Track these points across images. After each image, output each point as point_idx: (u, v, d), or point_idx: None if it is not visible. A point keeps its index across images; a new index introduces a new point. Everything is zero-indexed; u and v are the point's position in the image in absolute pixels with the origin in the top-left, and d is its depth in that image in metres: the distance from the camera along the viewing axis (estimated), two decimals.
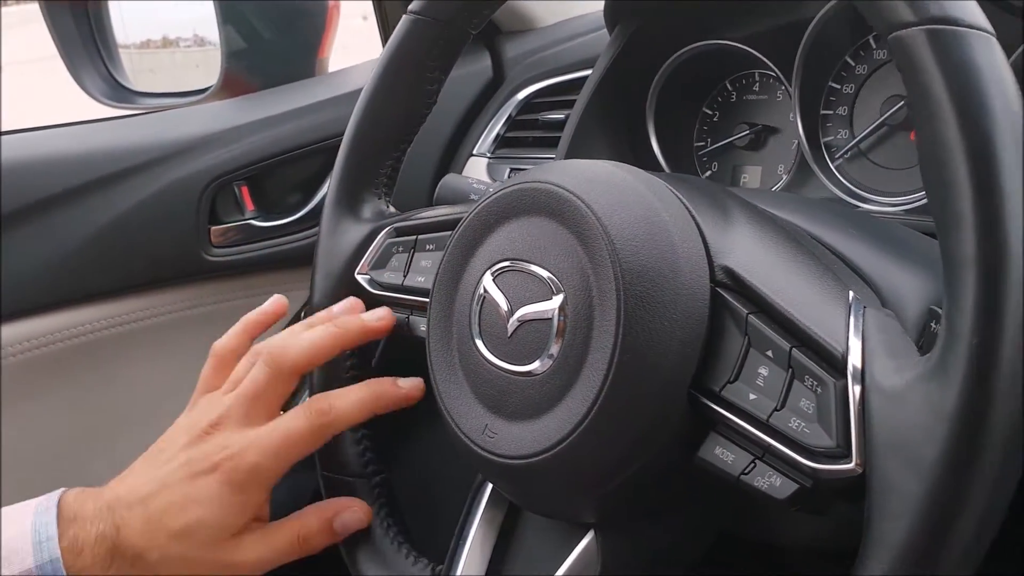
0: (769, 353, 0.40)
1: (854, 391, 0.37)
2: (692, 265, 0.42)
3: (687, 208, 0.44)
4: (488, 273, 0.48)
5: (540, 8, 0.99)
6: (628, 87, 0.80)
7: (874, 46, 0.71)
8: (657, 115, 0.81)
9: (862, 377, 0.37)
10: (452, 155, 0.95)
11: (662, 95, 0.81)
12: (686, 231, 0.43)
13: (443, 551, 0.56)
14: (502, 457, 0.45)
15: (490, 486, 0.53)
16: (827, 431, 0.37)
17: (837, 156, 0.73)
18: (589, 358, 0.42)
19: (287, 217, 0.90)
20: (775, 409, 0.39)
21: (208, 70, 1.30)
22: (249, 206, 0.88)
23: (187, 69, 1.33)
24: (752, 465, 0.40)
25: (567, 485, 0.44)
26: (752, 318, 0.41)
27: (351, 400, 0.54)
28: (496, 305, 0.47)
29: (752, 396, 0.40)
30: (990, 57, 0.34)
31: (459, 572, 0.52)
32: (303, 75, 1.05)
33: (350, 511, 0.56)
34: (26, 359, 0.84)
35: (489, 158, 0.93)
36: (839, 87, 0.73)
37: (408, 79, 0.59)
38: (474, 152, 0.94)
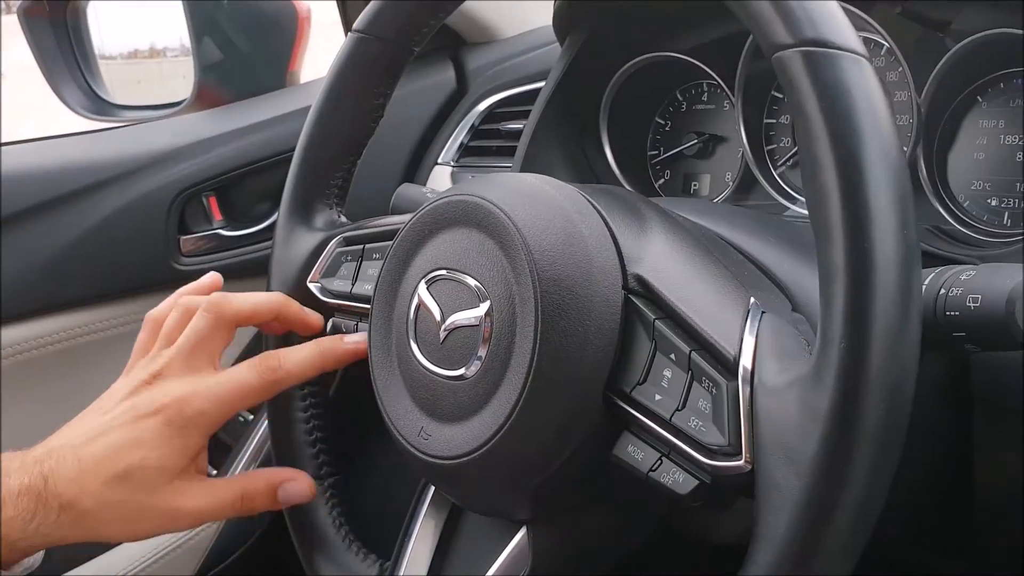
0: (672, 356, 0.42)
1: (744, 391, 0.39)
2: (606, 274, 0.45)
3: (604, 219, 0.47)
4: (423, 281, 0.50)
5: (503, 21, 1.02)
6: (581, 97, 0.82)
7: None
8: (611, 124, 0.84)
9: (751, 378, 0.39)
10: (417, 164, 0.98)
11: (615, 105, 0.83)
12: (601, 241, 0.46)
13: (392, 549, 0.59)
14: (436, 458, 0.48)
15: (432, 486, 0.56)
16: (720, 430, 0.40)
17: (780, 163, 0.76)
18: (512, 362, 0.45)
19: (255, 226, 0.92)
20: (677, 409, 0.42)
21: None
22: (217, 216, 0.90)
23: (174, 79, 1.35)
24: (659, 462, 0.42)
25: (495, 482, 0.47)
26: (659, 323, 0.43)
27: (300, 357, 0.55)
28: (430, 312, 0.49)
29: (658, 397, 0.42)
30: (860, 78, 0.36)
31: (403, 570, 0.54)
32: (274, 87, 1.07)
33: (296, 482, 0.56)
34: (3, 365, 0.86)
35: (453, 167, 0.96)
36: (781, 96, 0.76)
37: (354, 95, 0.62)
38: (439, 161, 0.97)
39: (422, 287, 0.50)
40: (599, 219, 0.47)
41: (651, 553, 0.55)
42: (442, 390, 0.48)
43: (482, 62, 1.00)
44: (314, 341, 0.57)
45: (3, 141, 0.93)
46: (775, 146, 0.76)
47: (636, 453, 0.43)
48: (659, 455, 0.42)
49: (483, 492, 0.49)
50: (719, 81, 0.77)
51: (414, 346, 0.50)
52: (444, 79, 0.99)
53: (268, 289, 0.65)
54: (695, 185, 0.83)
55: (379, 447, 0.74)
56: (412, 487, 0.58)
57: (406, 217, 0.61)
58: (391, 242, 0.59)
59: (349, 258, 0.62)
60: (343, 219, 0.66)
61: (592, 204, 0.48)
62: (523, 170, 0.82)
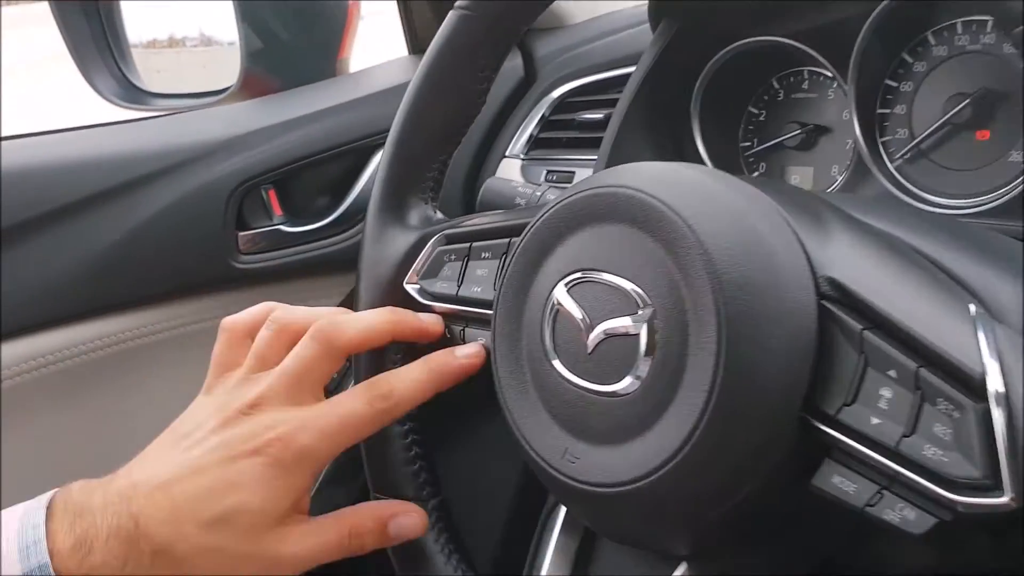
0: (891, 373, 0.37)
1: (999, 416, 0.34)
2: (796, 277, 0.39)
3: (783, 215, 0.41)
4: (561, 284, 0.45)
5: (571, 5, 0.96)
6: (672, 85, 0.77)
7: (932, 42, 0.69)
8: (701, 114, 0.79)
9: (1007, 402, 0.34)
10: (484, 157, 0.92)
11: (707, 93, 0.78)
12: (785, 240, 0.40)
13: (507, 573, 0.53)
14: (587, 484, 0.42)
15: (563, 510, 0.50)
16: (970, 460, 0.34)
17: (896, 156, 0.70)
18: (686, 378, 0.39)
19: (317, 222, 0.86)
20: (904, 435, 0.36)
21: (215, 70, 1.27)
22: (277, 211, 0.84)
23: (193, 69, 1.30)
24: (879, 496, 0.37)
25: (662, 516, 0.41)
26: (868, 334, 0.38)
27: (411, 380, 0.50)
28: (572, 319, 0.44)
29: (875, 420, 0.37)
30: None
31: None
32: (324, 75, 1.02)
33: (407, 515, 0.51)
34: (43, 374, 0.80)
35: (523, 160, 0.90)
36: (896, 85, 0.70)
37: (456, 77, 0.56)
38: (507, 154, 0.91)
39: (560, 290, 0.45)
40: (778, 215, 0.41)
41: None
42: (592, 407, 0.43)
43: (551, 48, 0.94)
44: (423, 360, 0.52)
45: (36, 131, 0.87)
46: (890, 138, 0.71)
47: (845, 484, 0.38)
48: (877, 488, 0.37)
49: (642, 525, 0.43)
50: (829, 67, 0.71)
51: (553, 357, 0.45)
52: (511, 67, 0.93)
53: (357, 290, 0.60)
54: (795, 178, 0.78)
55: (474, 459, 0.68)
56: (520, 505, 0.53)
57: (517, 213, 0.56)
58: (507, 240, 0.54)
59: (453, 257, 0.57)
60: (439, 215, 0.61)
61: (769, 199, 0.42)
62: (610, 161, 0.76)
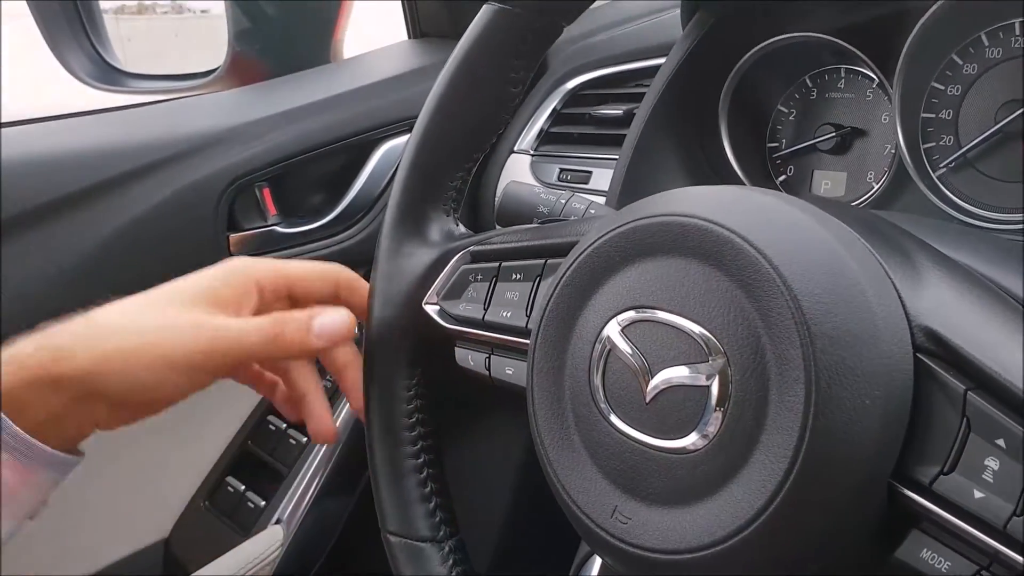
0: (1000, 442, 0.33)
1: None
2: (893, 329, 0.34)
3: (874, 255, 0.37)
4: (614, 322, 0.40)
5: None
6: (702, 81, 0.72)
7: (986, 43, 0.64)
8: (730, 113, 0.74)
9: None
10: (490, 152, 0.87)
11: (737, 91, 0.73)
12: (879, 285, 0.36)
13: None
14: (642, 549, 0.37)
15: (598, 562, 0.46)
16: None
17: (941, 165, 0.66)
18: (764, 439, 0.35)
19: (313, 222, 0.81)
20: (1015, 514, 0.32)
21: (188, 40, 1.21)
22: (271, 210, 0.78)
23: (165, 38, 1.24)
24: None
25: None
26: (972, 396, 0.33)
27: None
28: (627, 363, 0.39)
29: (979, 494, 0.33)
30: None
31: None
32: (318, 58, 0.96)
33: (334, 310, 0.52)
34: None
35: (533, 155, 0.85)
36: (943, 88, 0.66)
37: (488, 78, 0.51)
38: (515, 149, 0.86)
39: (613, 328, 0.40)
40: (869, 255, 0.37)
41: None
42: (648, 464, 0.38)
43: (564, 35, 0.88)
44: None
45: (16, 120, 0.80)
46: (933, 144, 0.66)
47: (936, 561, 0.34)
48: (977, 568, 0.33)
49: None
50: (872, 66, 0.66)
51: (603, 404, 0.40)
52: None
53: (369, 307, 0.55)
54: (826, 184, 0.73)
55: (491, 496, 0.64)
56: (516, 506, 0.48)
57: (555, 230, 0.51)
58: (540, 261, 0.49)
59: (479, 277, 0.52)
60: (462, 228, 0.55)
61: (856, 235, 0.37)
62: (633, 161, 0.71)
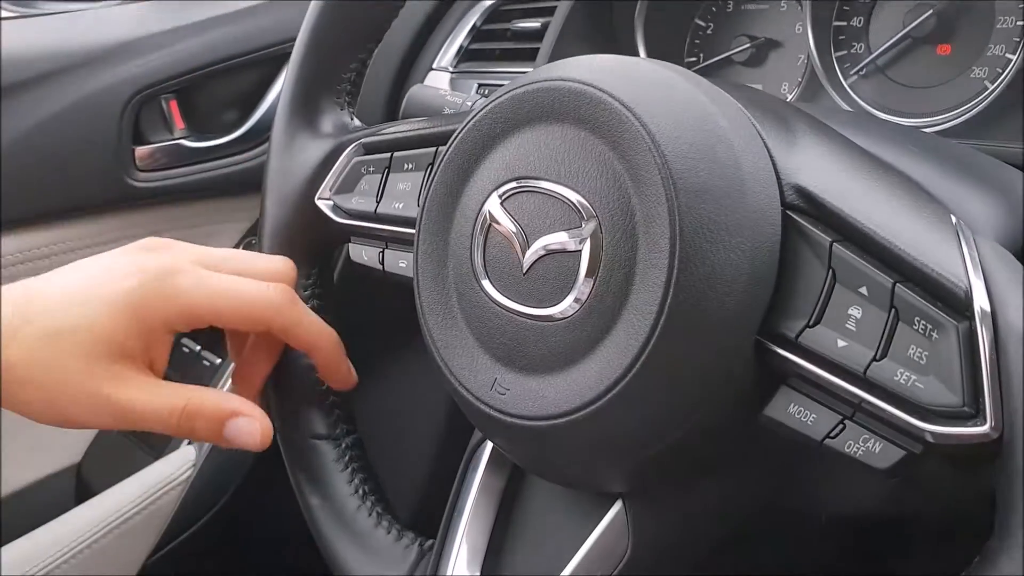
0: (863, 290, 0.33)
1: (984, 336, 0.30)
2: (760, 183, 0.34)
3: (747, 116, 0.36)
4: (494, 195, 0.39)
5: None
6: None
7: None
8: (646, 27, 0.73)
9: (993, 320, 0.30)
10: (408, 71, 0.85)
11: (652, 4, 0.72)
12: (749, 143, 0.35)
13: (427, 521, 0.48)
14: (517, 417, 0.37)
15: (489, 447, 0.46)
16: (948, 385, 0.30)
17: (852, 72, 0.66)
18: (632, 299, 0.34)
19: (223, 137, 0.78)
20: (874, 359, 0.32)
21: None
22: (179, 124, 0.76)
23: None
24: (840, 427, 0.33)
25: (600, 451, 0.36)
26: (838, 247, 0.33)
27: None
28: (506, 235, 0.38)
29: (841, 343, 0.32)
30: None
31: (455, 549, 0.44)
32: None
33: (250, 421, 0.45)
34: None
35: (452, 72, 0.83)
36: None
37: None
38: (434, 66, 0.84)
39: (493, 202, 0.39)
40: (742, 115, 0.36)
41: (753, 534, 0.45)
42: (525, 333, 0.37)
43: None
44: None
45: None
46: (844, 52, 0.66)
47: (803, 415, 0.34)
48: (840, 418, 0.33)
49: (576, 461, 0.38)
50: None
51: (483, 278, 0.39)
52: None
53: (263, 206, 0.53)
54: None
55: (390, 393, 0.63)
56: (439, 445, 0.48)
57: (446, 119, 0.50)
58: (432, 149, 0.48)
59: (371, 169, 0.50)
60: (356, 122, 0.54)
61: (731, 98, 0.37)
62: None
